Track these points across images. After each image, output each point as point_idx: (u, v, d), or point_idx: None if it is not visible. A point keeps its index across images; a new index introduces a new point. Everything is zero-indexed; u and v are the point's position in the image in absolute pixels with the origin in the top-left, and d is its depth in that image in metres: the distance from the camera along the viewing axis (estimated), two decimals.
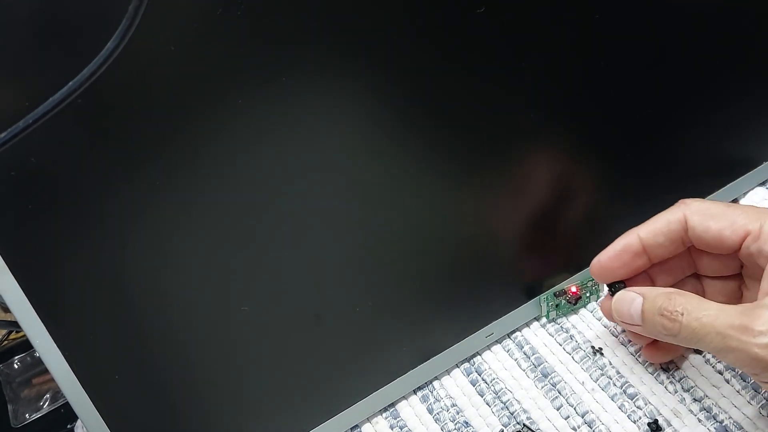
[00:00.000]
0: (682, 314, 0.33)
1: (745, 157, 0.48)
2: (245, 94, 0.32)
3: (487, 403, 0.42)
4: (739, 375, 0.40)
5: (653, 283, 0.39)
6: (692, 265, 0.39)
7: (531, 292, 0.44)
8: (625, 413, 0.40)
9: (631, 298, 0.36)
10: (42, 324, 0.31)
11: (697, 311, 0.33)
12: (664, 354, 0.41)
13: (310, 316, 0.38)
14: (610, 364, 0.42)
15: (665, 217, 0.37)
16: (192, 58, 0.30)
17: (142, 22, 0.27)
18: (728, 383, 0.40)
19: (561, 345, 0.44)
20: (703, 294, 0.39)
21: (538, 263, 0.43)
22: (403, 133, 0.36)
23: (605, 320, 0.44)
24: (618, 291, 0.37)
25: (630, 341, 0.43)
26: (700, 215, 0.36)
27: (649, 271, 0.39)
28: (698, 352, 0.41)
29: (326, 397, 0.40)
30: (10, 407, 0.49)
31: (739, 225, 0.35)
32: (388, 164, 0.37)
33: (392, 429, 0.42)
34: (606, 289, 0.40)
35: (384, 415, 0.42)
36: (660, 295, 0.35)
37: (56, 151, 0.29)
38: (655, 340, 0.39)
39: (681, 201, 0.37)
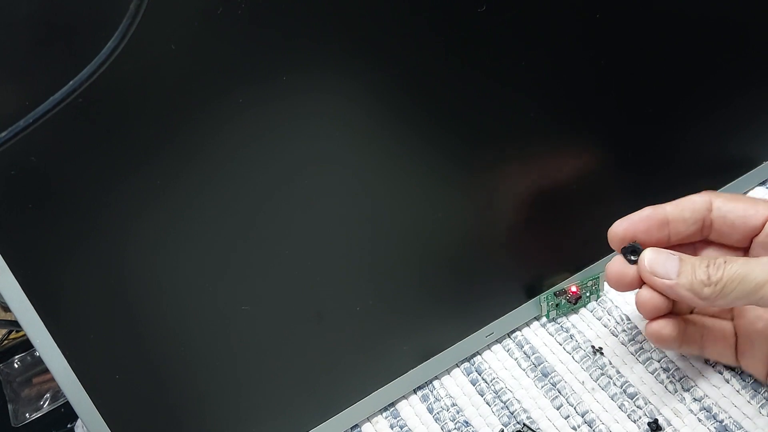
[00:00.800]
0: (725, 262, 0.34)
1: (745, 156, 0.48)
2: (246, 92, 0.32)
3: (487, 403, 0.42)
4: (739, 375, 0.40)
5: None
6: None
7: (531, 291, 0.44)
8: (625, 413, 0.40)
9: (668, 254, 0.36)
10: (42, 323, 0.31)
11: (742, 270, 0.33)
12: (672, 329, 0.37)
13: (310, 315, 0.38)
14: (610, 363, 0.42)
15: (691, 197, 0.38)
16: (193, 56, 0.30)
17: (143, 21, 0.27)
18: (728, 383, 0.40)
19: (561, 344, 0.44)
20: None
21: (538, 263, 0.43)
22: (404, 131, 0.36)
23: (605, 320, 0.44)
24: (636, 252, 0.37)
25: (630, 340, 0.43)
26: (724, 198, 0.37)
27: None
28: (704, 360, 0.41)
29: (326, 396, 0.40)
30: (10, 407, 0.49)
31: (762, 206, 0.37)
32: (389, 163, 0.37)
33: (392, 428, 0.42)
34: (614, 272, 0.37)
35: (384, 414, 0.42)
36: (699, 260, 0.35)
37: (57, 150, 0.29)
38: (662, 316, 0.38)
39: (705, 191, 0.38)
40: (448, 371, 0.44)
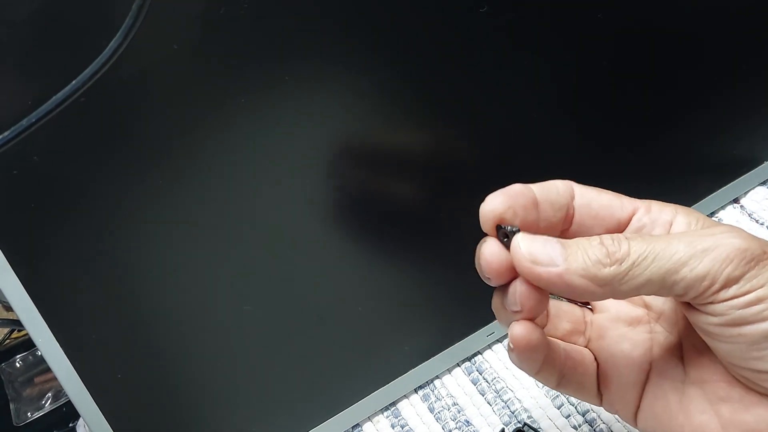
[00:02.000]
0: (627, 238, 0.27)
1: (746, 156, 0.48)
2: (248, 92, 0.32)
3: (488, 402, 0.42)
4: None
5: None
6: None
7: None
8: None
9: (544, 238, 0.28)
10: (44, 322, 0.32)
11: (644, 236, 0.27)
12: (541, 336, 0.30)
13: (312, 315, 0.38)
14: None
15: (553, 181, 0.31)
16: (194, 56, 0.30)
17: (145, 21, 0.28)
18: None
19: None
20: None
21: None
22: (407, 131, 0.36)
23: None
24: (510, 236, 0.29)
25: None
26: (586, 187, 0.31)
27: None
28: None
29: (328, 395, 0.40)
30: (12, 406, 0.50)
31: (627, 200, 0.30)
32: (392, 162, 0.37)
33: (393, 428, 0.42)
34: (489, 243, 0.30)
35: (385, 414, 0.43)
36: (592, 239, 0.28)
37: (59, 149, 0.29)
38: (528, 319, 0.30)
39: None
40: (449, 371, 0.44)
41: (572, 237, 0.29)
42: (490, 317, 0.43)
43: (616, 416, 0.40)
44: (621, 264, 0.26)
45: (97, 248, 0.32)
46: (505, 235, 0.29)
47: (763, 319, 0.25)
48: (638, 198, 0.32)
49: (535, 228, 0.30)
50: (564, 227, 0.31)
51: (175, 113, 0.31)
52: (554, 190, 0.30)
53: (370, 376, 0.41)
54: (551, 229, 0.30)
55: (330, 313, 0.38)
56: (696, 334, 0.29)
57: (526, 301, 0.28)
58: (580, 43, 0.38)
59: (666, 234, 0.28)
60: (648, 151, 0.44)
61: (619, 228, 0.30)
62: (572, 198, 0.31)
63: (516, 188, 0.30)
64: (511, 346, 0.30)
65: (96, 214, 0.31)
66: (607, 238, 0.27)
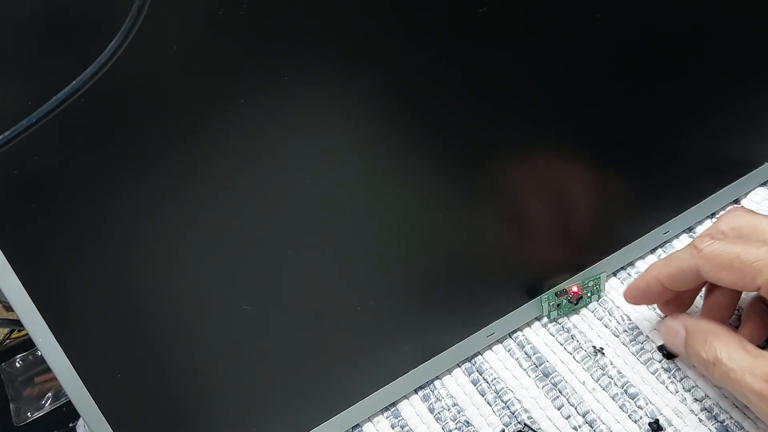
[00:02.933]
0: (714, 364, 0.34)
1: (746, 157, 0.48)
2: (248, 93, 0.32)
3: (489, 403, 0.42)
4: None
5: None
6: None
7: (532, 291, 0.44)
8: (626, 413, 0.40)
9: (676, 331, 0.38)
10: (44, 322, 0.31)
11: (729, 361, 0.34)
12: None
13: (311, 315, 0.38)
14: (611, 363, 0.42)
15: (678, 264, 0.38)
16: (194, 57, 0.30)
17: (145, 21, 0.28)
18: None
19: (562, 345, 0.44)
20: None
21: (539, 263, 0.43)
22: (405, 134, 0.36)
23: (606, 320, 0.44)
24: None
25: (631, 340, 0.43)
26: (711, 264, 0.35)
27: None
28: None
29: (327, 396, 0.40)
30: (12, 406, 0.50)
31: (750, 277, 0.34)
32: (391, 164, 0.37)
33: (393, 428, 0.42)
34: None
35: (385, 414, 0.43)
36: (698, 334, 0.36)
37: (59, 150, 0.29)
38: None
39: (693, 244, 0.37)
40: (449, 371, 0.44)
41: None
42: (490, 318, 0.43)
43: (617, 417, 0.40)
44: (713, 378, 0.36)
45: (97, 248, 0.32)
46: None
47: None
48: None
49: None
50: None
51: (174, 114, 0.31)
52: (679, 277, 0.38)
53: (370, 376, 0.41)
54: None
55: (330, 312, 0.38)
56: None
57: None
58: (579, 44, 0.38)
59: (746, 364, 0.34)
60: (648, 152, 0.44)
61: (754, 291, 0.35)
62: (700, 275, 0.36)
63: (640, 286, 0.40)
64: None
65: (96, 214, 0.31)
66: (702, 361, 0.36)
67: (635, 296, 0.41)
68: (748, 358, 0.33)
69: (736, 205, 0.48)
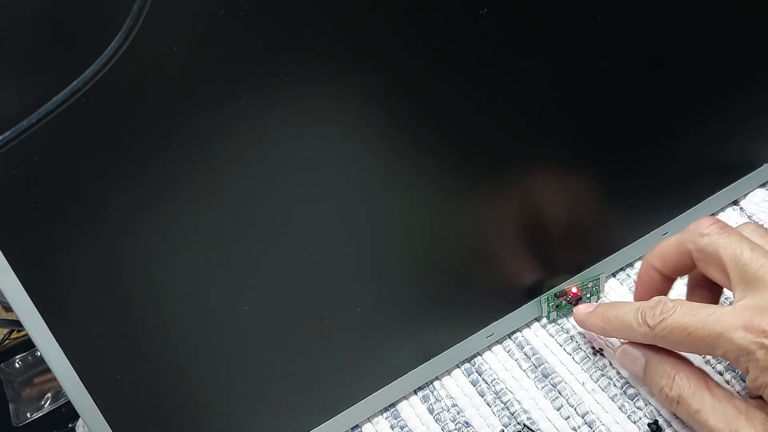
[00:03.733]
0: (678, 403, 0.34)
1: (745, 158, 0.48)
2: (247, 94, 0.32)
3: (488, 404, 0.42)
4: (739, 375, 0.40)
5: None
6: None
7: (531, 292, 0.44)
8: (626, 414, 0.40)
9: (635, 358, 0.37)
10: (44, 323, 0.31)
11: (694, 402, 0.33)
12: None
13: (311, 315, 0.38)
14: (611, 364, 0.42)
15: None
16: (195, 58, 0.30)
17: (146, 22, 0.28)
18: (728, 384, 0.40)
19: (561, 345, 0.44)
20: None
21: (538, 264, 0.44)
22: (405, 135, 0.36)
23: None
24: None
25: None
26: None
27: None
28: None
29: (327, 396, 0.40)
30: (11, 406, 0.50)
31: (719, 318, 0.33)
32: (391, 165, 0.37)
33: (393, 429, 0.42)
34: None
35: (385, 415, 0.43)
36: (660, 366, 0.35)
37: (60, 150, 0.29)
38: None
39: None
40: (448, 372, 0.44)
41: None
42: (489, 318, 0.43)
43: (616, 418, 0.40)
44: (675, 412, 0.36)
45: (97, 248, 0.32)
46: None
47: None
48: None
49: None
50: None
51: (174, 114, 0.31)
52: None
53: (370, 377, 0.41)
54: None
55: (330, 313, 0.38)
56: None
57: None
58: (579, 45, 0.38)
59: (709, 407, 0.34)
60: (647, 153, 0.44)
61: None
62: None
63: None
64: None
65: (96, 214, 0.31)
66: (665, 396, 0.35)
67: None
68: (712, 401, 0.33)
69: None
